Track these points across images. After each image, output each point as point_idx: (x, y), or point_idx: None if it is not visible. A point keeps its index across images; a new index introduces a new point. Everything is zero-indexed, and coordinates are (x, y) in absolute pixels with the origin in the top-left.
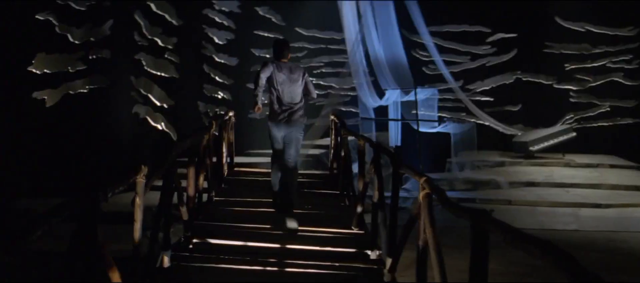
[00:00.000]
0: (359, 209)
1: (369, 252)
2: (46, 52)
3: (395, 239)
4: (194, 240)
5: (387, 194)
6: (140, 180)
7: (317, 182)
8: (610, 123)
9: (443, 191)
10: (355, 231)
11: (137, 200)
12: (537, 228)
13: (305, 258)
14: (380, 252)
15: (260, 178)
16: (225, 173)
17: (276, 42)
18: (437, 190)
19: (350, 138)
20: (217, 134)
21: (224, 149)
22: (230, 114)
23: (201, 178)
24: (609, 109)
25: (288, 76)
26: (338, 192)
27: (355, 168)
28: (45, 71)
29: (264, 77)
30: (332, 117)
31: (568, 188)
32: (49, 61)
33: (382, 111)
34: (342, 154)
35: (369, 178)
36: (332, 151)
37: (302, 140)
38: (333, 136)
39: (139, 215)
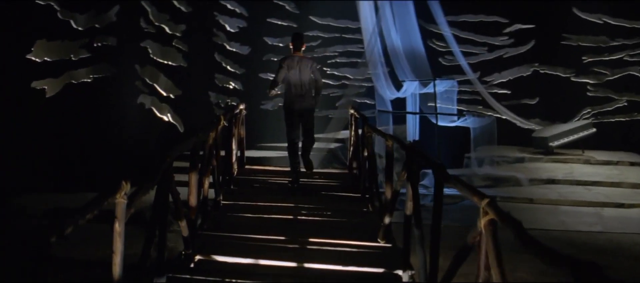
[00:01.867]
0: (387, 220)
1: (400, 272)
2: (47, 39)
3: (436, 264)
4: (197, 258)
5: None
6: (120, 200)
7: (335, 184)
8: (628, 118)
9: (517, 223)
10: (381, 244)
11: (117, 225)
12: (561, 228)
13: (325, 279)
14: (413, 272)
15: (274, 179)
16: (235, 172)
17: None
18: (508, 219)
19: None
20: (226, 129)
21: (234, 146)
22: (241, 107)
23: (206, 182)
24: (626, 104)
25: (299, 66)
26: (359, 195)
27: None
28: (45, 59)
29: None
30: (351, 111)
31: (589, 186)
32: (50, 49)
33: (399, 103)
34: (365, 154)
35: (400, 185)
36: (351, 148)
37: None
38: (353, 132)
39: (118, 246)
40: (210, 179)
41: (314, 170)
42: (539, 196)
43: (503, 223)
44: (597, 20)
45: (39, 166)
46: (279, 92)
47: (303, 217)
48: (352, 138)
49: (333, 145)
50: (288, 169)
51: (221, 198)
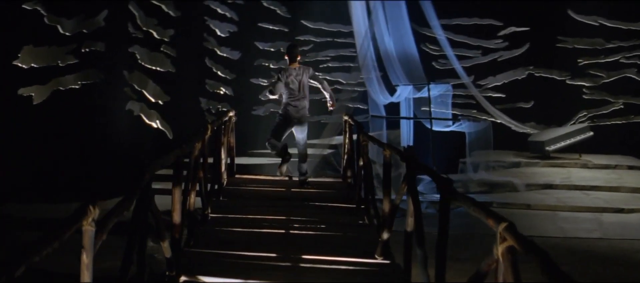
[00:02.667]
0: (386, 236)
1: None
2: (34, 45)
3: None
4: (182, 279)
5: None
6: (88, 228)
7: (329, 193)
8: (624, 121)
9: (543, 253)
10: (379, 261)
11: (84, 257)
12: (560, 236)
13: None
14: None
15: (265, 188)
16: (225, 182)
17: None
18: (531, 247)
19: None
20: (214, 138)
21: (223, 155)
22: (231, 114)
23: (193, 196)
24: (622, 106)
25: (297, 78)
26: (355, 206)
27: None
28: (32, 65)
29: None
30: (345, 117)
31: (588, 191)
32: (36, 55)
33: (393, 107)
34: (361, 163)
35: (399, 198)
36: (345, 156)
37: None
38: (347, 139)
39: (86, 276)
40: (198, 190)
41: (300, 183)
42: (536, 201)
43: (525, 251)
44: (592, 22)
45: (24, 175)
46: (274, 97)
47: (296, 231)
48: (347, 146)
49: (327, 151)
50: (279, 178)
51: (209, 211)
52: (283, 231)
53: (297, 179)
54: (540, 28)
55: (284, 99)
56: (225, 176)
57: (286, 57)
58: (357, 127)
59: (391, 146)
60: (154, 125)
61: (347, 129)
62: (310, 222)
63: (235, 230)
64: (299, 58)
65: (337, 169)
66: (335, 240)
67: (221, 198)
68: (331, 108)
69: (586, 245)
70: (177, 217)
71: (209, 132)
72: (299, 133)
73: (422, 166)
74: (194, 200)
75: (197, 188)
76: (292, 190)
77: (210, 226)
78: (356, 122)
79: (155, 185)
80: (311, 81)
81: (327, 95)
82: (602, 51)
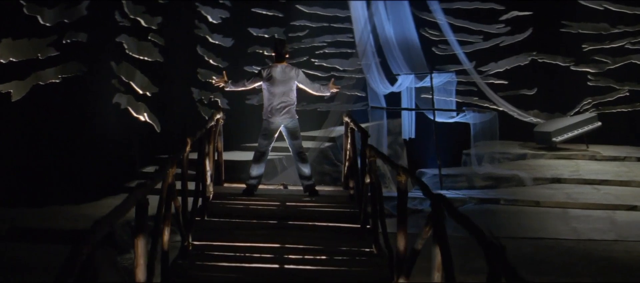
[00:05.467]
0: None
1: None
2: (12, 38)
3: None
4: None
5: (392, 194)
6: None
7: (330, 209)
8: (630, 109)
9: None
10: None
11: None
12: (573, 237)
13: None
14: None
15: (256, 202)
16: (211, 195)
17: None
18: None
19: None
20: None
21: (208, 167)
22: (218, 116)
23: (166, 233)
24: (627, 93)
25: (282, 78)
26: (359, 226)
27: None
28: (10, 59)
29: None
30: (346, 119)
31: (598, 185)
32: (15, 48)
33: (393, 96)
34: (367, 180)
35: (421, 244)
36: (346, 163)
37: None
38: (348, 145)
39: None
40: (179, 216)
41: (305, 192)
42: (545, 198)
43: None
44: (597, 6)
45: (4, 178)
46: (234, 88)
47: (291, 265)
48: (348, 152)
49: (325, 145)
50: (272, 186)
51: (189, 241)
52: (277, 266)
53: (293, 187)
54: (543, 12)
55: (266, 102)
56: (211, 188)
57: (273, 54)
58: (362, 135)
59: (406, 169)
60: (142, 118)
61: (349, 134)
62: (309, 251)
63: (220, 264)
64: (287, 56)
65: (335, 164)
66: (340, 277)
67: (206, 218)
68: (334, 89)
69: (602, 249)
70: (141, 275)
71: (187, 149)
72: (291, 139)
73: (449, 206)
74: (169, 237)
75: (174, 219)
76: (287, 203)
77: (190, 260)
78: (360, 128)
79: None
80: (300, 84)
81: (324, 91)
82: (607, 36)
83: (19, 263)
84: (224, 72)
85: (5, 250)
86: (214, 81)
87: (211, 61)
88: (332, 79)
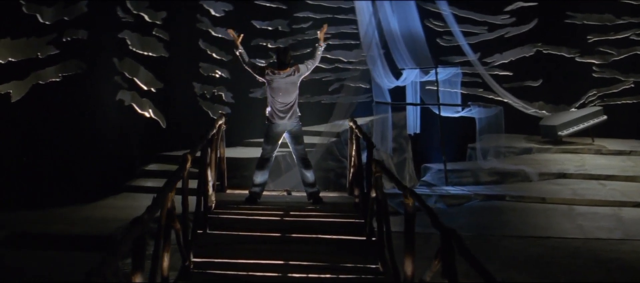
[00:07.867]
0: None
1: None
2: (11, 38)
3: None
4: None
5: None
6: None
7: (334, 220)
8: (635, 101)
9: None
10: None
11: None
12: (580, 236)
13: None
14: None
15: (259, 212)
16: (213, 206)
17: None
18: None
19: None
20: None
21: (210, 177)
22: (220, 122)
23: (165, 260)
24: (632, 85)
25: (286, 84)
26: (365, 239)
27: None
28: (9, 59)
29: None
30: (350, 124)
31: (603, 180)
32: (14, 47)
33: (398, 90)
34: (373, 195)
35: (430, 276)
36: (351, 170)
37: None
38: (353, 152)
39: None
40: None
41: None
42: (551, 194)
43: None
44: None
45: (4, 178)
46: (241, 59)
47: None
48: (353, 158)
49: (331, 140)
50: (275, 192)
51: (190, 260)
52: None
53: (297, 193)
54: (548, 3)
55: (268, 102)
56: (213, 197)
57: (275, 61)
58: (368, 146)
59: (414, 193)
60: (147, 114)
61: (354, 140)
62: (313, 269)
63: None
64: (291, 62)
65: (340, 160)
66: None
67: (207, 231)
68: (323, 36)
69: (609, 249)
70: None
71: (188, 164)
72: (294, 144)
73: (458, 239)
74: (169, 263)
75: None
76: (291, 213)
77: (192, 280)
78: (366, 137)
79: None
80: (305, 75)
81: (319, 51)
82: (612, 27)
83: (20, 271)
84: (242, 35)
85: (4, 256)
86: (231, 32)
87: (214, 55)
88: (323, 27)
